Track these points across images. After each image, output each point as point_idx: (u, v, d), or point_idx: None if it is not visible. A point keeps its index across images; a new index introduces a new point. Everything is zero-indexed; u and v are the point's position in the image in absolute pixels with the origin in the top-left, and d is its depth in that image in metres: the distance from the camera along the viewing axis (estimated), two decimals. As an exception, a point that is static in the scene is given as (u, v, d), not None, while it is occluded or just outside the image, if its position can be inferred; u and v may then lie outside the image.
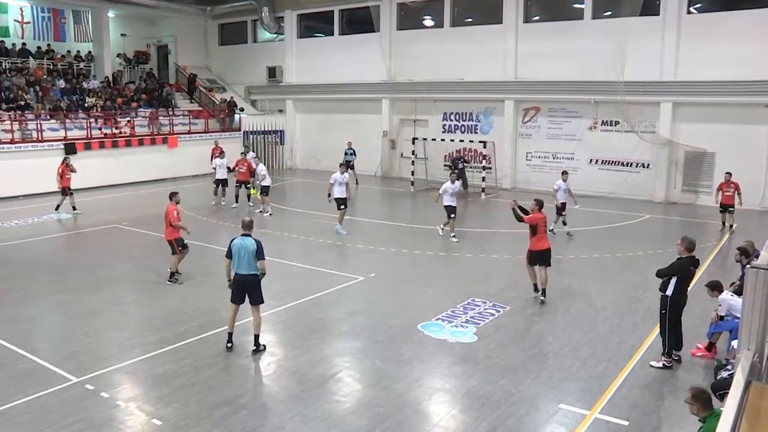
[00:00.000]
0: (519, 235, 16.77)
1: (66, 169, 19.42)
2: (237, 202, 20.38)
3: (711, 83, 20.41)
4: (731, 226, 17.27)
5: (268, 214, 19.09)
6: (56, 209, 19.31)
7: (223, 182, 20.64)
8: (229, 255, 9.07)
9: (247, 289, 9.06)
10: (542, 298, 11.33)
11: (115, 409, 7.46)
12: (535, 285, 11.56)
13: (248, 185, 20.41)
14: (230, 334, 9.21)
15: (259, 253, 8.98)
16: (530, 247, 11.56)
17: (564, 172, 17.18)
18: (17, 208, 20.45)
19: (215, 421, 7.14)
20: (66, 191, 19.23)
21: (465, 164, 24.29)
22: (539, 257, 11.45)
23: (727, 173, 17.81)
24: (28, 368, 8.51)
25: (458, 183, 16.47)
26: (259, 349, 9.08)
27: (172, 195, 12.69)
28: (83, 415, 7.24)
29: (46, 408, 7.41)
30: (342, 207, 16.62)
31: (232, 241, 9.17)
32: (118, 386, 8.07)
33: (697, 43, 20.77)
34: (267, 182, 19.37)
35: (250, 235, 9.19)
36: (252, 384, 8.20)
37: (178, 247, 12.50)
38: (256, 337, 9.11)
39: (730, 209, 17.29)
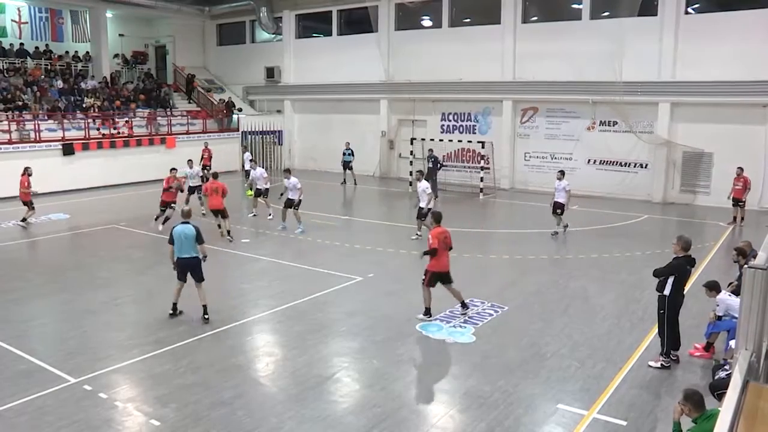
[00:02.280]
0: (517, 236, 16.82)
1: (27, 180, 17.78)
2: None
3: (709, 83, 20.45)
4: (742, 218, 17.87)
5: (269, 216, 18.74)
6: (23, 221, 17.86)
7: (194, 189, 19.94)
8: (171, 241, 10.16)
9: (189, 270, 10.28)
10: (464, 311, 10.42)
11: (113, 410, 7.45)
12: (428, 308, 10.28)
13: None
14: (174, 305, 10.47)
15: (199, 238, 10.14)
16: (429, 267, 10.22)
17: (560, 171, 17.02)
18: (15, 208, 20.40)
19: (213, 422, 7.13)
20: (30, 204, 17.82)
21: (438, 164, 22.93)
22: (440, 278, 10.23)
23: (738, 168, 18.27)
24: (26, 369, 8.49)
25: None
26: (206, 316, 10.21)
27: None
28: (81, 416, 7.23)
29: (44, 409, 7.40)
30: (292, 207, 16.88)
31: (173, 228, 10.25)
32: (116, 387, 8.06)
33: (694, 44, 20.81)
34: (267, 185, 18.94)
35: (189, 223, 10.22)
36: (250, 384, 8.19)
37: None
38: (204, 307, 10.27)
39: (739, 203, 17.94)
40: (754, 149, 20.14)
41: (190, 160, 20.69)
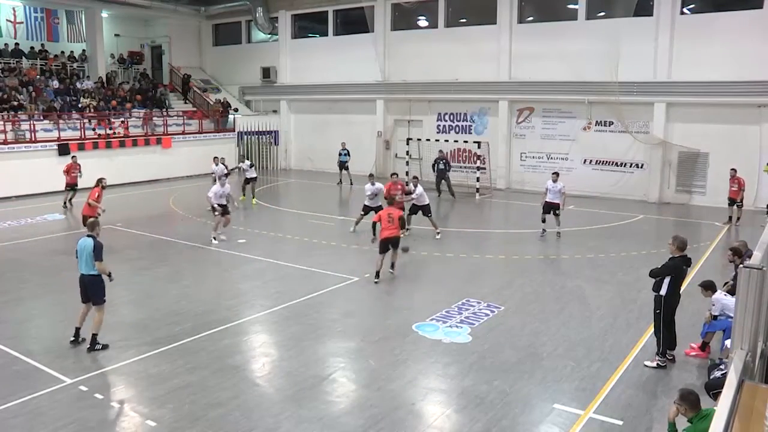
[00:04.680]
0: (513, 236, 16.84)
1: (73, 167, 20.42)
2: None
3: (704, 83, 20.51)
4: (738, 218, 17.95)
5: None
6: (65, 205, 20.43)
7: (249, 180, 20.99)
8: (76, 254, 9.17)
9: (87, 288, 9.12)
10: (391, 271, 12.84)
11: (109, 411, 7.44)
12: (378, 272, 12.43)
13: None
14: (77, 329, 9.26)
15: (97, 254, 8.96)
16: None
17: (555, 173, 16.85)
18: (10, 209, 20.36)
19: (210, 422, 7.12)
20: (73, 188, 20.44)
21: (447, 165, 23.03)
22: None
23: (732, 169, 18.43)
24: (21, 370, 8.47)
25: (378, 185, 16.60)
26: (95, 347, 9.02)
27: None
28: (77, 417, 7.21)
29: (40, 410, 7.38)
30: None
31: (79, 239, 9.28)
32: (112, 387, 8.05)
33: (690, 44, 20.87)
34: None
35: (92, 236, 9.13)
36: (247, 385, 8.17)
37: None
38: (93, 336, 9.03)
39: (736, 203, 18.09)
40: (749, 149, 20.21)
41: (215, 157, 21.06)
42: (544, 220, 16.40)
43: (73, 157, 21.55)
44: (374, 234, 14.57)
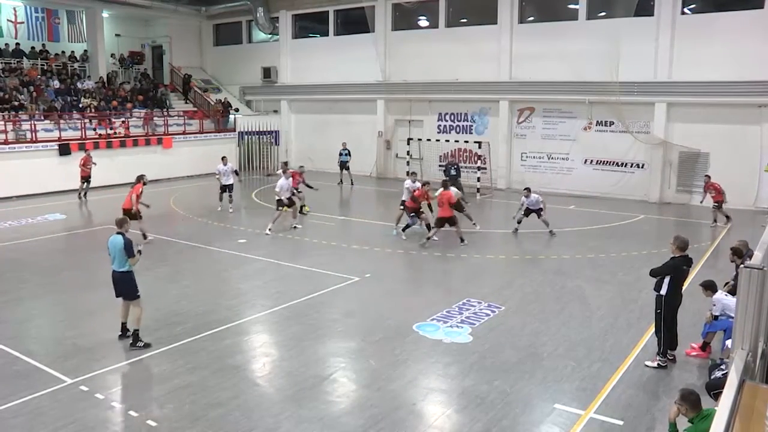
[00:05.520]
0: (514, 236, 16.82)
1: (88, 160, 21.62)
2: None
3: (705, 83, 20.50)
4: (725, 218, 17.86)
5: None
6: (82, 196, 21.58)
7: (228, 187, 19.78)
8: (108, 251, 9.41)
9: (117, 284, 9.31)
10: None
11: (109, 411, 7.44)
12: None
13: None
14: (123, 324, 9.45)
15: (128, 251, 9.19)
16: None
17: (526, 189, 17.04)
18: (10, 209, 20.37)
19: (210, 422, 7.12)
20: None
21: (458, 171, 22.88)
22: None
23: (705, 176, 18.69)
24: (22, 370, 8.47)
25: (418, 183, 16.68)
26: (136, 344, 9.10)
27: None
28: (77, 417, 7.21)
29: (40, 410, 7.38)
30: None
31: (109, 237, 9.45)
32: (112, 387, 8.05)
33: (691, 44, 20.85)
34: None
35: (121, 233, 9.34)
36: (247, 385, 8.17)
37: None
38: (135, 333, 9.17)
39: (715, 205, 18.06)
40: (750, 149, 20.20)
41: (224, 157, 20.86)
42: (520, 221, 16.79)
43: (87, 151, 22.62)
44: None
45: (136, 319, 9.21)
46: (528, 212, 16.66)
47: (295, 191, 17.83)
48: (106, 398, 7.70)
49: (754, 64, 19.54)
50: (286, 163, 19.16)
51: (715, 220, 18.07)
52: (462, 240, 15.52)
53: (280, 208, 17.12)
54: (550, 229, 16.51)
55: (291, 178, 17.45)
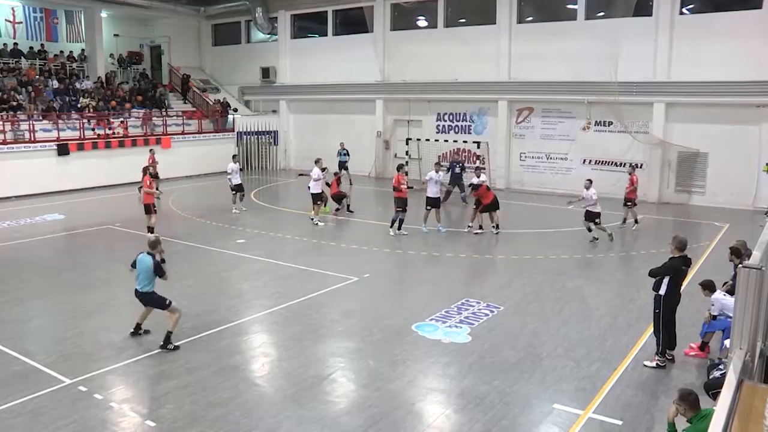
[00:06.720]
0: (513, 236, 16.82)
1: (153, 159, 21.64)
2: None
3: (703, 83, 20.51)
4: (634, 220, 17.43)
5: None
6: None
7: (239, 186, 19.75)
8: (134, 265, 9.52)
9: (146, 302, 9.50)
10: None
11: (108, 411, 7.43)
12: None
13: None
14: (137, 324, 9.71)
15: (158, 273, 9.32)
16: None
17: (588, 180, 16.34)
18: (9, 209, 20.36)
19: (210, 422, 7.12)
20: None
21: (462, 169, 22.84)
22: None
23: (630, 167, 18.75)
24: (21, 370, 8.47)
25: (441, 173, 17.30)
26: (167, 346, 9.15)
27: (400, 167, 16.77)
28: (76, 417, 7.21)
29: (39, 410, 7.38)
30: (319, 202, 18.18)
31: (139, 254, 9.53)
32: (111, 388, 8.04)
33: (689, 44, 20.87)
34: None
35: (151, 254, 9.36)
36: (246, 385, 8.18)
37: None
38: (168, 334, 9.22)
39: (627, 203, 17.44)
40: (749, 149, 20.21)
41: (235, 155, 20.81)
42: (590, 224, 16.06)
43: (151, 150, 23.33)
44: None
45: (174, 323, 9.27)
46: (589, 216, 15.65)
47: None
48: (104, 398, 7.70)
49: (753, 64, 19.56)
50: (319, 160, 19.12)
51: (624, 219, 17.57)
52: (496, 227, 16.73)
53: (318, 202, 18.14)
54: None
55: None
